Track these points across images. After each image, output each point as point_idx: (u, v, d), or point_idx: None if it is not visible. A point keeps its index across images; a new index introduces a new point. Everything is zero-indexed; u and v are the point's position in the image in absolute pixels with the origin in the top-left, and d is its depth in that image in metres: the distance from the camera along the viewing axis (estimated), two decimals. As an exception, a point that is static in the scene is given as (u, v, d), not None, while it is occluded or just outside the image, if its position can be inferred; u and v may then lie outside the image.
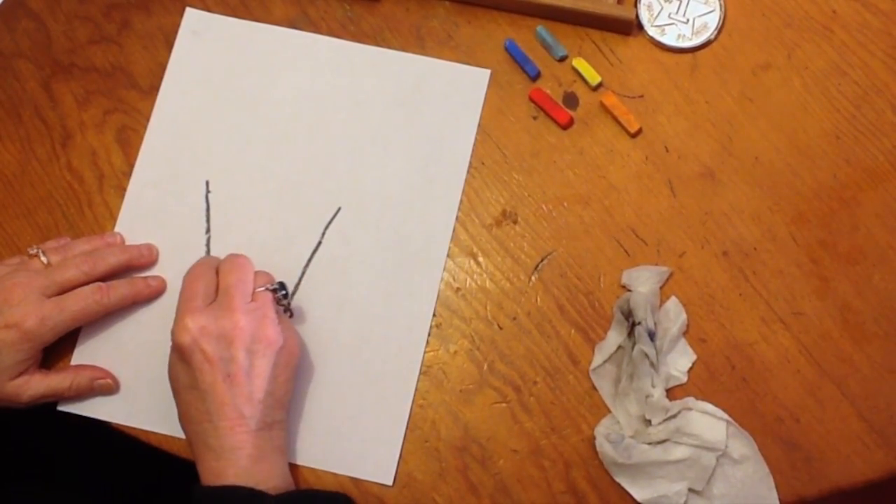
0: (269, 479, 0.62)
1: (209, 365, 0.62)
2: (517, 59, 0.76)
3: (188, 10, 0.78)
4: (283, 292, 0.68)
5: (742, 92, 0.75)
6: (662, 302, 0.70)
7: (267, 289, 0.67)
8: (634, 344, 0.68)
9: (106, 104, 0.76)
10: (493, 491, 0.68)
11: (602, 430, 0.68)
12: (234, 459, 0.61)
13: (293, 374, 0.66)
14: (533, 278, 0.72)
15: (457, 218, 0.73)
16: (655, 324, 0.69)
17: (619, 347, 0.69)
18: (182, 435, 0.68)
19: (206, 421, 0.62)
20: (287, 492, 0.63)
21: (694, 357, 0.69)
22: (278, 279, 0.69)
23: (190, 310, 0.64)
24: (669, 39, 0.76)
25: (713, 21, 0.76)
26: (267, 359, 0.64)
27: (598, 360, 0.69)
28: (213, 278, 0.66)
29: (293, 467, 0.67)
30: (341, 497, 0.65)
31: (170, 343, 0.69)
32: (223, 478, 0.61)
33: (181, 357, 0.63)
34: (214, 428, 0.62)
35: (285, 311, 0.68)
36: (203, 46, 0.77)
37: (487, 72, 0.76)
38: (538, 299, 0.71)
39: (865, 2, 0.76)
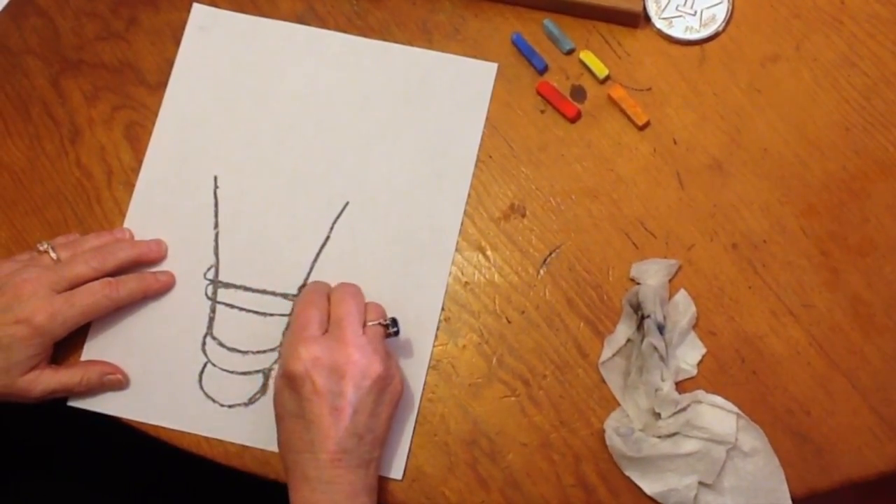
0: None
1: (317, 396, 0.62)
2: (524, 52, 0.76)
3: (195, 5, 0.78)
4: (395, 329, 0.67)
5: (750, 83, 0.75)
6: (671, 295, 0.70)
7: (380, 324, 0.66)
8: (643, 337, 0.67)
9: (114, 100, 0.76)
10: (503, 485, 0.68)
11: (611, 423, 0.68)
12: (330, 494, 0.61)
13: (394, 412, 0.66)
14: (541, 272, 0.72)
15: (465, 212, 0.73)
16: (664, 317, 0.68)
17: (629, 340, 0.69)
18: (190, 430, 0.69)
19: (307, 451, 0.61)
20: None
21: (703, 350, 0.69)
22: (287, 275, 0.69)
23: (304, 339, 0.63)
24: (677, 31, 0.76)
25: (721, 12, 0.76)
26: (373, 396, 0.63)
27: (607, 353, 0.69)
28: (326, 306, 0.66)
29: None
30: None
31: (178, 337, 0.70)
32: None
33: (290, 385, 0.63)
34: (315, 459, 0.61)
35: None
36: (210, 42, 0.77)
37: (494, 65, 0.76)
38: (547, 293, 0.71)
39: (875, -8, 0.76)
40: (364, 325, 0.65)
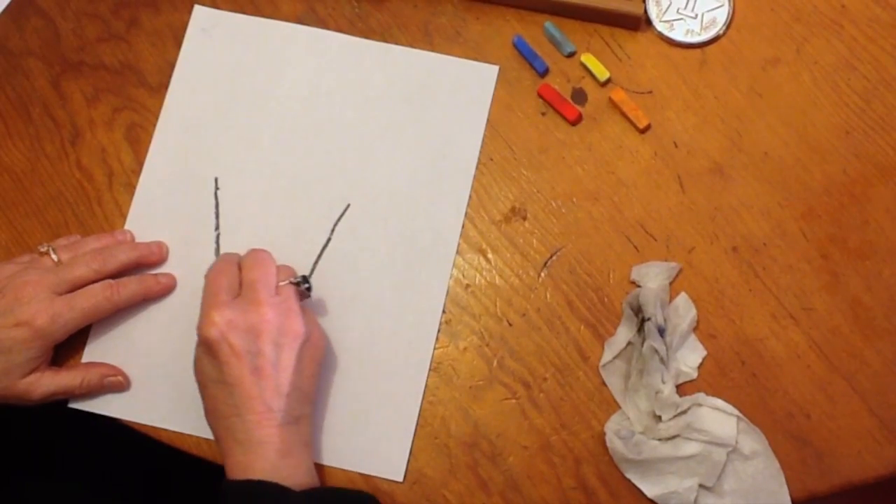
0: (296, 474, 0.62)
1: (236, 358, 0.62)
2: (525, 55, 0.76)
3: (197, 7, 0.78)
4: (307, 286, 0.68)
5: (751, 87, 0.75)
6: (672, 298, 0.70)
7: (290, 282, 0.67)
8: (644, 340, 0.68)
9: (115, 102, 0.76)
10: (503, 487, 0.68)
11: (612, 426, 0.68)
12: (262, 453, 0.61)
13: (319, 368, 0.66)
14: (542, 274, 0.72)
15: (466, 214, 0.73)
16: (665, 319, 0.69)
17: (629, 343, 0.69)
18: (191, 431, 0.69)
19: (234, 415, 0.62)
20: (313, 488, 0.62)
21: (704, 353, 0.69)
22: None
23: (216, 304, 0.64)
24: (678, 35, 0.76)
25: (722, 16, 0.76)
26: (294, 352, 0.63)
27: (607, 356, 0.69)
28: (236, 273, 0.66)
29: (303, 464, 0.67)
30: (366, 496, 0.65)
31: (179, 339, 0.70)
32: (250, 472, 0.61)
33: (208, 351, 0.63)
34: (242, 422, 0.62)
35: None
36: (212, 43, 0.77)
37: (496, 68, 0.76)
38: (547, 295, 0.71)
39: (875, -4, 0.76)
40: (276, 286, 0.66)
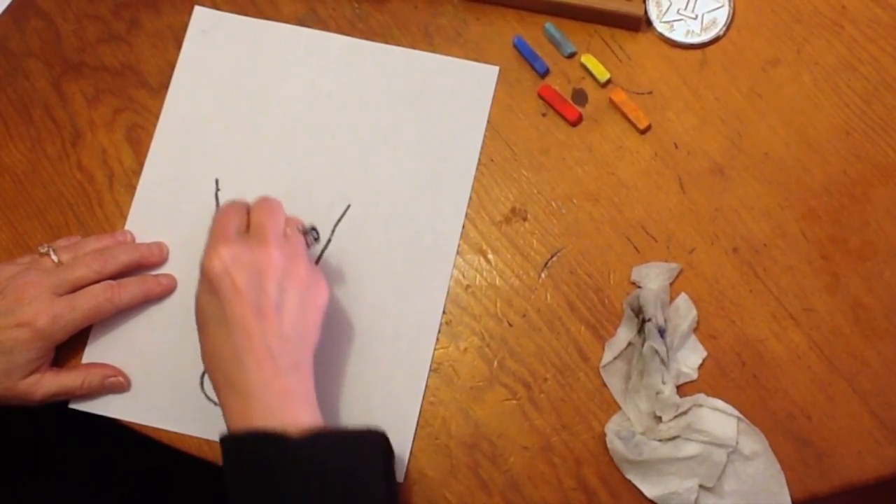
0: (297, 422, 0.58)
1: (239, 296, 0.60)
2: (526, 55, 0.76)
3: (197, 8, 0.78)
4: (315, 235, 0.67)
5: (751, 88, 0.75)
6: (672, 298, 0.70)
7: (299, 229, 0.66)
8: (644, 341, 0.68)
9: (116, 103, 0.76)
10: (504, 488, 0.68)
11: (612, 426, 0.68)
12: (261, 398, 0.58)
13: (321, 318, 0.64)
14: (543, 275, 0.72)
15: (466, 215, 0.73)
16: (665, 320, 0.69)
17: (630, 344, 0.69)
18: (191, 432, 0.69)
19: (232, 358, 0.59)
20: (314, 430, 0.59)
21: (704, 354, 0.69)
22: None
23: (223, 238, 0.62)
24: (678, 35, 0.76)
25: (722, 17, 0.76)
26: (298, 294, 0.62)
27: (608, 356, 0.69)
28: (245, 216, 0.65)
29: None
30: (376, 435, 0.62)
31: (179, 340, 0.70)
32: (249, 419, 0.58)
33: (210, 287, 0.61)
34: (240, 364, 0.59)
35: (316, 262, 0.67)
36: (212, 44, 0.77)
37: (496, 69, 0.76)
38: (548, 296, 0.71)
39: (875, -3, 0.76)
40: (284, 232, 0.65)
